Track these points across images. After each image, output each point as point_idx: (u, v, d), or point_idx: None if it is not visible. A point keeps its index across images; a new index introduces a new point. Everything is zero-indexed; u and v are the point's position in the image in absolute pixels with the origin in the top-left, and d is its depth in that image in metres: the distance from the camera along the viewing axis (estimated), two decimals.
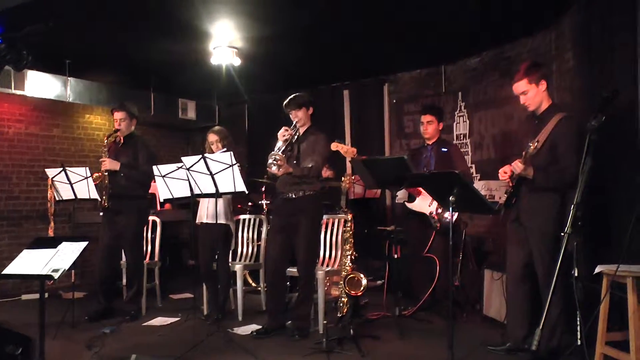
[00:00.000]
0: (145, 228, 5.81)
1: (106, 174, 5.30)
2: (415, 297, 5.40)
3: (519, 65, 4.05)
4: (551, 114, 3.83)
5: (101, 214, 5.54)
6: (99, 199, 5.29)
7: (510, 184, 3.93)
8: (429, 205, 5.17)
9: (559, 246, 2.70)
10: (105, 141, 5.44)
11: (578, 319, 2.78)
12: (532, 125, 3.96)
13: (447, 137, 6.34)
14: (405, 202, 5.33)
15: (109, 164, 5.30)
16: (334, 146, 4.85)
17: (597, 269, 3.30)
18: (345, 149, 4.79)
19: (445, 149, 5.38)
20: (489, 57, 6.60)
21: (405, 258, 5.85)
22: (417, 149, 5.62)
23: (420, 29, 5.76)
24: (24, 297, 6.66)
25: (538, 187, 3.77)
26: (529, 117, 4.08)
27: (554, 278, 2.66)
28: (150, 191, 5.77)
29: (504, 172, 3.89)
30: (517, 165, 3.72)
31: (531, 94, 3.84)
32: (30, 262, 3.44)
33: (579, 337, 2.79)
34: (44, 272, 3.31)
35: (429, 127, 5.37)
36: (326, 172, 6.80)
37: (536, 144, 3.66)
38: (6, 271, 3.49)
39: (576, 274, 2.74)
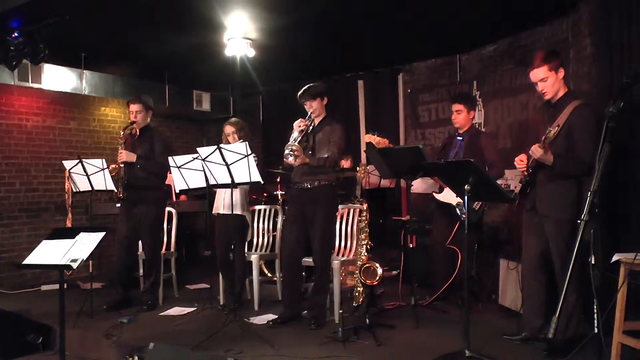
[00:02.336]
0: (162, 219, 5.85)
1: (122, 165, 5.35)
2: (432, 287, 5.39)
3: (535, 53, 4.01)
4: (567, 101, 3.79)
5: (118, 205, 5.59)
6: (115, 190, 5.34)
7: (526, 173, 3.91)
8: (456, 196, 5.13)
9: (576, 234, 2.68)
10: (122, 133, 5.48)
11: (595, 307, 2.76)
12: (548, 113, 3.93)
13: None
14: (433, 193, 5.30)
15: (126, 155, 5.34)
16: (367, 138, 4.84)
17: (615, 257, 3.27)
18: (377, 140, 4.78)
19: (475, 139, 5.29)
20: (504, 45, 6.54)
21: (423, 248, 5.85)
22: (449, 138, 5.56)
23: (435, 18, 5.72)
24: (44, 287, 6.74)
25: (555, 174, 3.74)
26: (544, 105, 4.05)
27: (570, 266, 2.64)
28: (166, 182, 5.81)
29: (520, 161, 3.87)
30: (537, 150, 3.66)
31: (550, 81, 3.80)
32: (50, 252, 3.49)
33: (596, 325, 2.78)
34: (63, 262, 3.36)
35: (458, 116, 5.26)
36: (346, 163, 6.80)
37: (556, 128, 3.62)
38: (26, 261, 3.54)
39: (593, 262, 2.73)
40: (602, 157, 2.54)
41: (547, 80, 3.81)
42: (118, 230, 5.56)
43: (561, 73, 3.81)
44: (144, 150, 5.45)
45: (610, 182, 3.30)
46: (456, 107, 5.28)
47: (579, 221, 2.57)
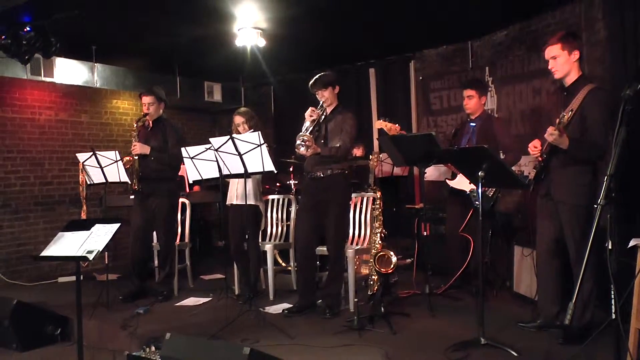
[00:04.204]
0: (176, 210, 5.87)
1: (136, 157, 5.37)
2: (447, 275, 5.39)
3: (550, 36, 3.97)
4: (580, 85, 3.75)
5: (132, 197, 5.63)
6: (130, 182, 5.37)
7: (540, 159, 3.88)
8: (470, 183, 5.10)
9: (591, 219, 2.66)
10: (135, 125, 5.50)
11: (612, 293, 2.73)
12: (562, 98, 3.90)
13: None
14: (447, 180, 5.29)
15: (140, 148, 5.36)
16: (379, 124, 4.83)
17: (632, 242, 3.24)
18: (389, 126, 4.77)
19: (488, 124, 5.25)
20: (516, 31, 6.48)
21: (437, 236, 5.83)
22: (462, 124, 5.53)
23: (446, 4, 5.67)
24: (60, 279, 6.81)
25: (569, 159, 3.71)
26: (558, 89, 4.02)
27: (587, 252, 2.62)
28: (179, 173, 5.82)
29: (534, 147, 3.84)
30: (552, 133, 3.59)
31: (561, 60, 3.77)
32: (66, 244, 3.51)
33: (613, 312, 2.75)
34: (79, 254, 3.38)
35: (469, 102, 5.24)
36: (358, 151, 6.79)
37: (570, 112, 3.59)
38: (43, 254, 3.57)
39: (610, 247, 2.70)
40: (618, 141, 2.51)
41: (557, 59, 3.78)
42: (132, 221, 5.58)
43: (575, 55, 3.77)
44: (158, 142, 5.47)
45: (627, 166, 3.25)
46: (467, 92, 5.26)
47: (595, 206, 2.55)
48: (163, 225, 5.54)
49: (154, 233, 5.71)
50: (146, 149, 5.38)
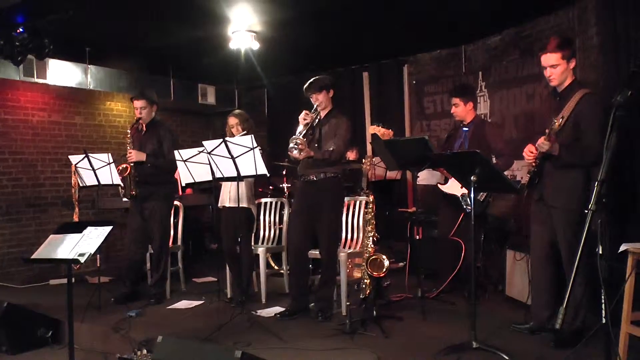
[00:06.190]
0: (171, 213, 5.85)
1: (132, 164, 5.34)
2: (439, 279, 5.39)
3: (546, 40, 3.97)
4: (574, 90, 3.77)
5: (124, 199, 5.61)
6: (122, 187, 5.34)
7: (534, 164, 3.89)
8: (461, 187, 5.12)
9: (582, 224, 2.68)
10: (129, 131, 5.48)
11: (603, 298, 2.75)
12: (554, 103, 3.91)
13: None
14: (438, 185, 5.30)
15: (136, 155, 5.32)
16: (372, 129, 4.83)
17: (622, 247, 3.26)
18: (382, 131, 4.77)
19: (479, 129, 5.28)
20: (510, 35, 6.51)
21: (430, 240, 5.84)
22: (455, 128, 5.53)
23: (440, 8, 5.69)
24: (52, 282, 6.77)
25: (562, 164, 3.73)
26: (551, 95, 4.03)
27: (578, 256, 2.64)
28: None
29: (530, 152, 3.85)
30: (543, 143, 3.64)
31: (560, 69, 3.77)
32: (57, 246, 3.51)
33: (603, 316, 2.76)
34: (70, 257, 3.37)
35: (456, 109, 5.25)
36: (351, 154, 6.80)
37: (561, 120, 3.60)
38: (34, 256, 3.56)
39: (600, 252, 2.71)
40: (609, 147, 2.53)
41: (557, 68, 3.78)
42: (129, 224, 5.57)
43: (572, 63, 3.79)
44: (153, 147, 5.44)
45: (618, 171, 3.28)
46: (453, 100, 5.30)
47: (586, 211, 2.56)
48: (158, 228, 5.52)
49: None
50: (142, 156, 5.34)
